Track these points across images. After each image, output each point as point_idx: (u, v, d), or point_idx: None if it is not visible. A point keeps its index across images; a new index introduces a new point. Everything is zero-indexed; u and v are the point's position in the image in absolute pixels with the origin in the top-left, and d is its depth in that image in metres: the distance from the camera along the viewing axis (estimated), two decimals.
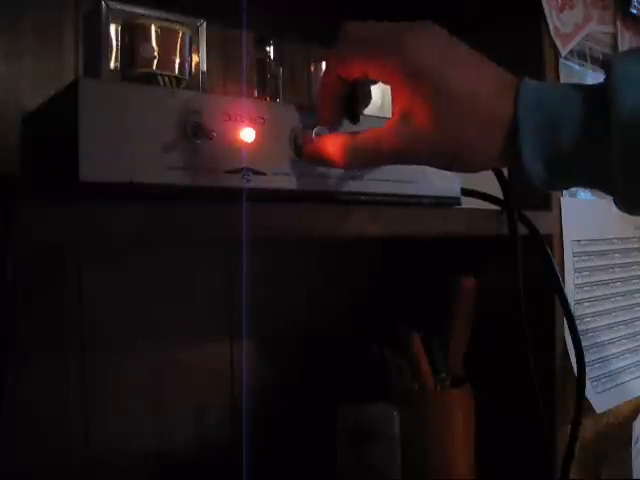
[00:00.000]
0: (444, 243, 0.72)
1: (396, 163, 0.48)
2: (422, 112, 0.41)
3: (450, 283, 0.72)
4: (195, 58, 0.53)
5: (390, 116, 0.45)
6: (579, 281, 0.76)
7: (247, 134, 0.44)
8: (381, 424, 0.64)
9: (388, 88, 0.44)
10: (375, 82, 0.46)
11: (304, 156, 0.47)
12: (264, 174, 0.45)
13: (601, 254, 0.79)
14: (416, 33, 0.41)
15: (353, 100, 0.47)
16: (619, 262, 0.82)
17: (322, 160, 0.47)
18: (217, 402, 0.73)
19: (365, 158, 0.46)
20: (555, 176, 0.41)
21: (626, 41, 0.85)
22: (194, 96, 0.43)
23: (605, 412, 0.76)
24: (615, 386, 0.78)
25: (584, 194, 0.77)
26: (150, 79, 0.48)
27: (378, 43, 0.42)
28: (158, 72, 0.49)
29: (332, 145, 0.46)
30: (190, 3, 0.58)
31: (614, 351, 0.80)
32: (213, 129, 0.42)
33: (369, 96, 0.49)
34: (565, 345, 0.71)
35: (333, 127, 0.48)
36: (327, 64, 0.47)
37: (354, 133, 0.46)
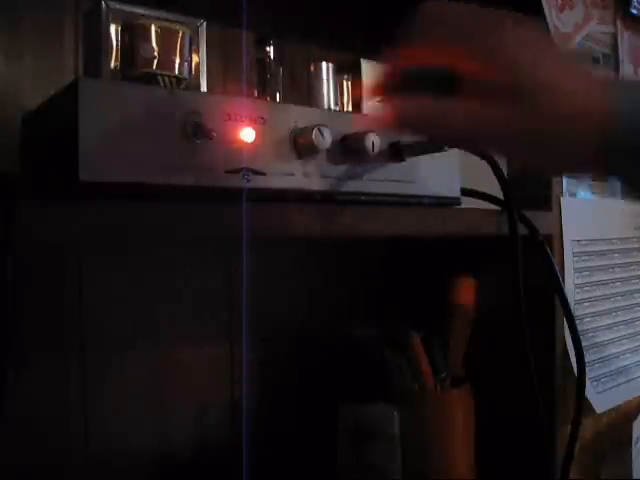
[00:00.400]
0: (444, 243, 0.72)
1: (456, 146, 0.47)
2: (511, 103, 0.39)
3: (450, 283, 0.72)
4: (195, 58, 0.53)
5: None
6: (579, 281, 0.76)
7: (247, 134, 0.44)
8: (381, 424, 0.64)
9: None
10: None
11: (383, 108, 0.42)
12: (264, 174, 0.45)
13: (601, 254, 0.79)
14: (514, 29, 0.40)
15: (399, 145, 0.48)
16: (619, 262, 0.82)
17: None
18: (217, 402, 0.73)
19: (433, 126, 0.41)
20: None
21: (626, 41, 0.85)
22: (194, 96, 0.43)
23: (605, 412, 0.76)
24: (615, 386, 0.78)
25: (584, 194, 0.77)
26: (150, 79, 0.48)
27: (478, 33, 0.39)
28: (158, 72, 0.49)
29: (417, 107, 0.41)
30: (190, 3, 0.58)
31: (614, 351, 0.80)
32: (213, 129, 0.42)
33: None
34: (565, 345, 0.71)
35: None
36: (386, 59, 0.45)
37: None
